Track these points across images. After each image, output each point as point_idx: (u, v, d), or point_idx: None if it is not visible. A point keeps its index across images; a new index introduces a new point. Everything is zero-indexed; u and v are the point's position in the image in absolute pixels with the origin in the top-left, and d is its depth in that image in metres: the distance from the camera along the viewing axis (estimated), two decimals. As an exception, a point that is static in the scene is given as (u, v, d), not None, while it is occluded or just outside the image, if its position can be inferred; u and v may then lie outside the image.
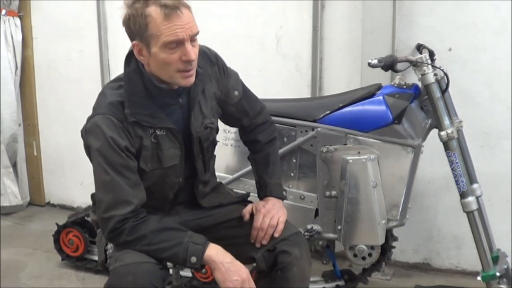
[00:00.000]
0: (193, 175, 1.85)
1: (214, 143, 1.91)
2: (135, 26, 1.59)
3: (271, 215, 1.82)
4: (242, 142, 2.12)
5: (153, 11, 1.56)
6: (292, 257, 1.75)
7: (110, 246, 1.75)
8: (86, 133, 1.69)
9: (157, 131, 1.70)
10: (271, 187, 1.95)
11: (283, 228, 1.81)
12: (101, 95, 1.72)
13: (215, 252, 1.64)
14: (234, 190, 2.16)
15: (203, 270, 1.80)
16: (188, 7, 1.61)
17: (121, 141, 1.63)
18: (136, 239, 1.63)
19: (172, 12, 1.56)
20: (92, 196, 1.89)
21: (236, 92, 1.92)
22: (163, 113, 1.71)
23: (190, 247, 1.62)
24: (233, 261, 1.64)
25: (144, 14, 1.57)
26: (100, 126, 1.63)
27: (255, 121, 2.02)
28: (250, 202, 1.99)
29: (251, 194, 2.10)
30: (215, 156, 1.96)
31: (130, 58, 1.71)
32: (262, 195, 1.96)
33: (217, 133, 1.92)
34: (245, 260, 1.84)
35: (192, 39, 1.62)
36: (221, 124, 2.46)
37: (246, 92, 1.97)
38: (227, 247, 1.80)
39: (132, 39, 1.64)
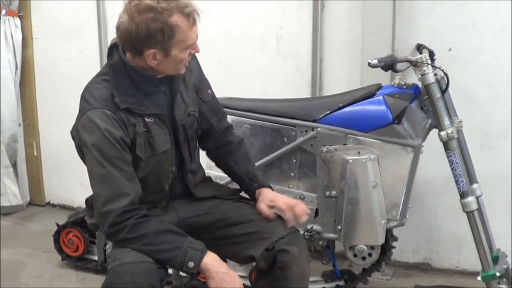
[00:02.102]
0: (182, 164, 1.88)
1: (197, 132, 1.95)
2: (163, 38, 1.62)
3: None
4: (213, 156, 2.09)
5: (180, 20, 1.63)
6: (291, 255, 1.75)
7: (108, 246, 1.75)
8: (78, 130, 1.70)
9: (146, 119, 1.73)
10: (261, 179, 1.99)
11: (281, 227, 1.83)
12: (87, 93, 1.73)
13: (211, 260, 1.64)
14: (231, 187, 2.17)
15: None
16: None
17: (116, 132, 1.66)
18: (136, 237, 1.64)
19: (195, 18, 1.66)
20: (87, 200, 1.90)
21: (209, 91, 1.99)
22: (149, 101, 1.75)
23: (189, 252, 1.63)
24: (228, 272, 1.65)
25: (171, 25, 1.62)
26: (94, 121, 1.65)
27: (222, 124, 2.04)
28: (245, 198, 2.01)
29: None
30: (198, 147, 2.00)
31: (112, 51, 1.76)
32: (255, 187, 1.96)
33: (198, 123, 1.95)
34: (244, 259, 1.85)
35: None
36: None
37: (214, 94, 2.03)
38: (226, 246, 1.81)
39: (146, 49, 1.65)
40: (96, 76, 1.79)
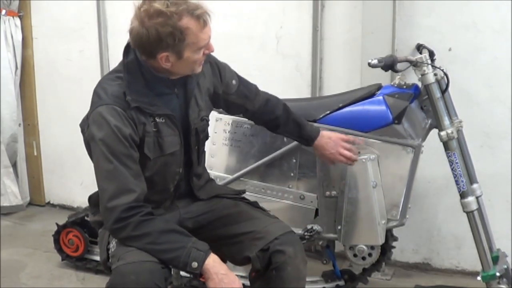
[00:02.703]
0: (189, 167, 1.89)
1: (207, 136, 1.97)
2: (174, 41, 1.63)
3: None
4: (262, 126, 2.20)
5: (190, 23, 1.64)
6: (286, 256, 1.75)
7: (112, 245, 1.75)
8: (88, 124, 1.71)
9: (156, 119, 1.74)
10: (314, 134, 2.13)
11: (276, 227, 1.83)
12: (100, 88, 1.74)
13: (211, 261, 1.64)
14: (234, 188, 2.17)
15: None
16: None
17: (125, 129, 1.66)
18: (140, 236, 1.64)
19: (205, 19, 1.67)
20: (90, 198, 1.90)
21: (233, 81, 2.01)
22: (161, 101, 1.76)
23: (193, 252, 1.63)
24: (227, 273, 1.64)
25: (182, 28, 1.63)
26: (105, 116, 1.66)
27: (257, 104, 2.09)
28: (245, 199, 2.02)
29: (247, 193, 2.10)
30: (205, 151, 2.01)
31: (128, 49, 1.75)
32: (312, 139, 2.12)
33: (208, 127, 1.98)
34: (241, 261, 1.85)
35: None
36: (221, 124, 2.47)
37: (240, 78, 2.06)
38: (224, 247, 1.81)
39: (159, 53, 1.66)
40: (110, 73, 1.80)
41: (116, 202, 1.64)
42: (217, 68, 1.96)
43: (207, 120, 1.92)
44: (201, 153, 1.94)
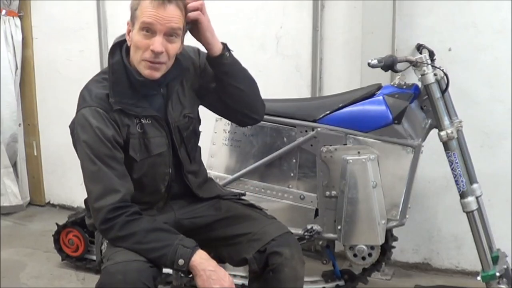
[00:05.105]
0: (180, 166, 1.87)
1: (196, 133, 1.92)
2: (133, 7, 1.66)
3: None
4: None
5: None
6: (282, 257, 1.74)
7: (103, 245, 1.75)
8: (74, 127, 1.72)
9: (142, 120, 1.74)
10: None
11: (273, 228, 1.81)
12: (85, 90, 1.74)
13: (199, 258, 1.62)
14: (234, 190, 2.17)
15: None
16: (178, 5, 1.64)
17: (107, 131, 1.67)
18: (127, 236, 1.63)
19: (159, 1, 1.61)
20: (86, 202, 1.90)
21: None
22: (147, 102, 1.75)
23: (179, 249, 1.62)
24: (216, 269, 1.62)
25: None
26: (87, 118, 1.67)
27: None
28: (246, 200, 2.01)
29: (247, 193, 2.10)
30: (200, 147, 1.98)
31: (114, 50, 1.75)
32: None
33: (199, 124, 1.94)
34: (239, 262, 1.84)
35: (169, 34, 1.65)
36: (221, 124, 2.47)
37: None
38: (221, 248, 1.80)
39: (129, 21, 1.71)
40: (97, 75, 1.80)
41: (102, 203, 1.64)
42: (201, 61, 1.88)
43: (191, 117, 1.87)
44: (190, 150, 1.89)
